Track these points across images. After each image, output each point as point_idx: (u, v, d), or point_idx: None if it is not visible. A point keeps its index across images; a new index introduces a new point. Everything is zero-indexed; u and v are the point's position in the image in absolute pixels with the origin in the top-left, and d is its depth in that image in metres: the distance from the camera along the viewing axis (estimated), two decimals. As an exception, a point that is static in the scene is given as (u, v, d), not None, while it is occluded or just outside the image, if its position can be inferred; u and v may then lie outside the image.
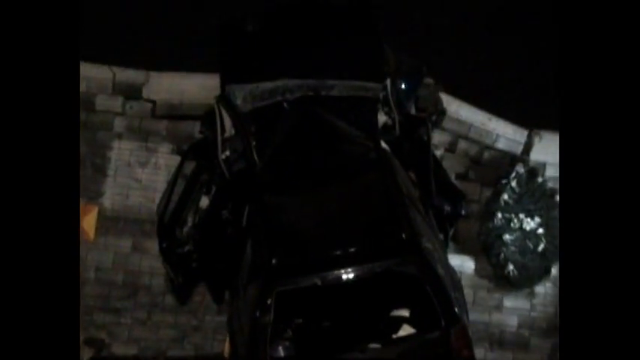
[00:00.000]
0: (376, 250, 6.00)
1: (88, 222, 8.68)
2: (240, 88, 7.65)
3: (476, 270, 8.59)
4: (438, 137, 9.02)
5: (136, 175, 8.85)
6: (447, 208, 7.31)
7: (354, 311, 6.30)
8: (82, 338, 8.42)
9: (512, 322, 8.50)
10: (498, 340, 8.42)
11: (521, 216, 8.41)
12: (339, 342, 6.02)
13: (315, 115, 7.42)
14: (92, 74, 8.94)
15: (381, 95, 7.57)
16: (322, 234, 6.21)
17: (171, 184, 7.32)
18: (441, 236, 7.54)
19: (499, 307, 8.53)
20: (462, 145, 8.92)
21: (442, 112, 8.57)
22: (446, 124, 8.92)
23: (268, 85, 7.58)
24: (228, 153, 7.62)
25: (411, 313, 6.35)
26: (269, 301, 5.76)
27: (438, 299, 5.89)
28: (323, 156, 7.05)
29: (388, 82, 7.66)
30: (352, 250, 6.02)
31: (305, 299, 6.23)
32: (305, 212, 6.44)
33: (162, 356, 8.16)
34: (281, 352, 6.03)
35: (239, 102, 7.57)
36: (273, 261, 6.02)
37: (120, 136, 8.86)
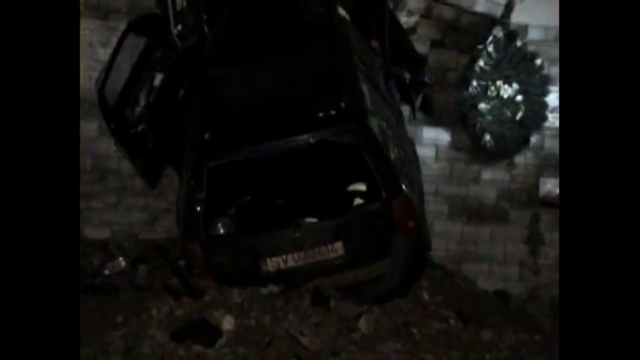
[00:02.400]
0: (312, 120, 5.66)
1: (53, 106, 8.48)
2: (189, -43, 7.22)
3: (452, 142, 8.13)
4: (413, 3, 8.50)
5: (98, 56, 8.50)
6: (407, 75, 6.88)
7: (307, 187, 6.04)
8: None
9: (491, 194, 8.08)
10: (477, 213, 8.07)
11: (499, 83, 7.87)
12: (277, 217, 5.81)
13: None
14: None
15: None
16: (260, 106, 5.84)
17: (111, 58, 6.98)
18: (407, 107, 7.17)
19: (477, 180, 8.10)
20: (438, 9, 8.35)
21: None
22: (420, -13, 8.39)
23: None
24: (180, 27, 7.27)
25: (367, 188, 6.07)
26: (201, 177, 5.53)
27: (377, 170, 5.55)
28: (275, 26, 6.63)
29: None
30: (287, 121, 5.69)
31: (259, 174, 5.99)
32: (246, 85, 6.04)
33: (133, 239, 8.09)
34: (220, 229, 5.85)
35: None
36: (206, 135, 5.73)
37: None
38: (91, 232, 8.33)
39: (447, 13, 8.20)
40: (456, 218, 8.01)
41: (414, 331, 5.19)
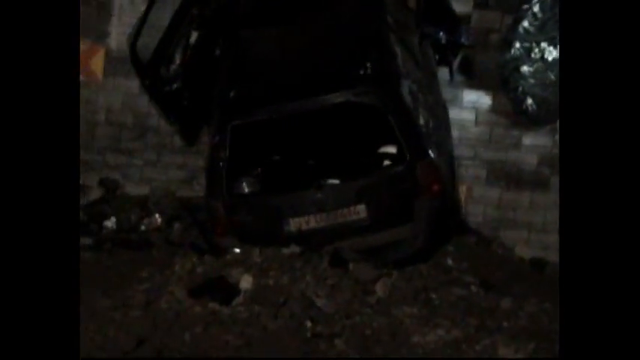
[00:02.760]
0: (337, 80, 5.57)
1: (96, 63, 8.49)
2: None
3: (493, 106, 7.90)
4: (458, -38, 8.27)
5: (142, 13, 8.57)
6: (443, 36, 6.71)
7: (334, 148, 5.99)
8: (97, 178, 8.58)
9: (532, 160, 7.83)
10: (516, 179, 7.88)
11: (543, 45, 7.62)
12: (301, 178, 5.77)
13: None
14: None
15: None
16: (286, 66, 5.76)
17: (145, 14, 6.97)
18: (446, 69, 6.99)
19: (517, 145, 7.87)
20: (484, -32, 8.13)
21: None
22: (463, -54, 8.13)
23: None
24: (215, -16, 7.22)
25: (398, 150, 5.98)
26: (224, 136, 5.53)
27: (402, 132, 5.45)
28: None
29: None
30: (312, 81, 5.62)
31: (287, 134, 5.97)
32: (275, 45, 5.98)
33: (171, 196, 8.19)
34: (244, 189, 5.84)
35: None
36: (231, 94, 5.72)
37: (123, -28, 8.57)
38: (131, 188, 8.46)
39: (494, -27, 7.97)
40: (494, 183, 7.82)
41: (433, 296, 5.12)
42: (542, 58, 7.53)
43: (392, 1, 6.39)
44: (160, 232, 7.50)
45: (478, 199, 7.83)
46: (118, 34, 8.52)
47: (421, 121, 5.63)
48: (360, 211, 5.52)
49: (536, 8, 7.48)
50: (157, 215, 7.72)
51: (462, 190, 7.79)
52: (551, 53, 7.53)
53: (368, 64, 5.50)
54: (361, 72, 5.50)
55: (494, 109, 7.86)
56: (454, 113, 7.88)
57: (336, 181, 5.58)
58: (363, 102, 5.38)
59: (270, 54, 5.92)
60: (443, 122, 6.19)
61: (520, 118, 7.77)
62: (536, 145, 7.83)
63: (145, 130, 8.43)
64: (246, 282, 5.16)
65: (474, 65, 7.89)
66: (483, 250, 7.21)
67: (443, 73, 7.88)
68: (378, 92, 5.40)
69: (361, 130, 5.74)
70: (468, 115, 7.89)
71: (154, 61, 6.95)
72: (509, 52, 7.50)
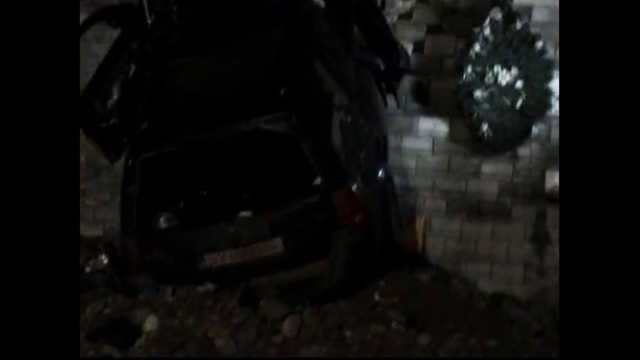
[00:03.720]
0: (246, 108, 5.34)
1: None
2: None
3: (450, 134, 7.57)
4: (411, -15, 8.05)
5: (94, 51, 8.49)
6: (378, 62, 6.46)
7: (255, 179, 5.73)
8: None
9: (493, 189, 7.47)
10: (477, 210, 7.50)
11: (497, 69, 7.28)
12: (217, 212, 5.52)
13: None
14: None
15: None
16: (201, 96, 5.56)
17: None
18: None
19: (477, 174, 7.51)
20: (437, -9, 7.90)
21: None
22: (416, -31, 7.92)
23: None
24: (152, 18, 7.09)
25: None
26: (134, 170, 5.31)
27: (315, 159, 5.18)
28: (237, 13, 6.37)
29: None
30: (223, 110, 5.39)
31: (205, 167, 5.74)
32: (196, 74, 5.77)
33: (123, 236, 7.99)
34: (162, 224, 5.61)
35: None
36: (142, 127, 5.53)
37: (75, 11, 8.50)
38: (84, 229, 8.29)
39: (446, -4, 7.74)
40: (454, 215, 7.46)
41: (347, 334, 4.79)
42: (496, 83, 7.21)
43: (323, 26, 6.18)
44: (104, 273, 7.30)
45: (437, 232, 7.48)
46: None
47: (343, 149, 5.37)
48: (277, 245, 5.24)
49: (487, 31, 7.20)
50: (103, 256, 7.51)
51: (420, 222, 7.48)
52: (505, 77, 7.21)
53: (282, 91, 5.26)
54: (273, 99, 5.27)
55: (451, 137, 7.55)
56: (410, 142, 7.63)
57: (248, 214, 5.32)
58: (274, 130, 5.15)
59: (187, 83, 5.72)
60: (377, 151, 5.90)
61: (478, 146, 7.47)
62: (497, 173, 7.48)
63: (98, 170, 8.29)
64: (150, 323, 4.89)
65: (428, 92, 7.63)
66: (440, 286, 6.88)
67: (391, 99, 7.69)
68: (289, 119, 5.16)
69: (280, 158, 5.48)
70: (425, 144, 7.60)
71: (87, 95, 6.79)
72: (462, 77, 7.23)
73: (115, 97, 7.03)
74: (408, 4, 7.74)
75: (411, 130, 7.57)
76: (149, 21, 7.06)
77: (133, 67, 7.11)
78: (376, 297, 5.37)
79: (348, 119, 5.70)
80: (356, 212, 5.20)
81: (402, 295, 5.55)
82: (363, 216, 5.23)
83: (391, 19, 7.78)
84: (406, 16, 7.74)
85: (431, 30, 7.66)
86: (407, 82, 7.65)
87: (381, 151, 6.04)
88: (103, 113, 6.89)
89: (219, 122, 5.28)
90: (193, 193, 5.78)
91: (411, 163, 7.55)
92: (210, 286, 5.21)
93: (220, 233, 5.27)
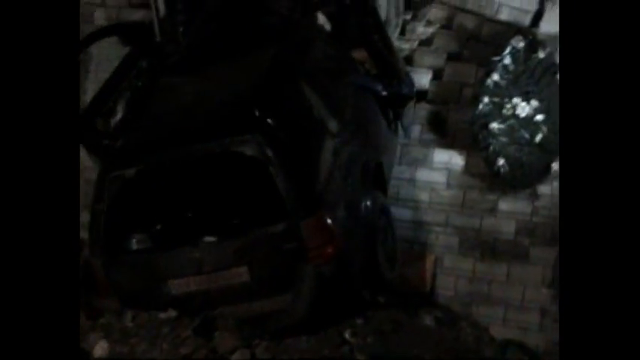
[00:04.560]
0: (218, 128, 5.13)
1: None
2: (169, -37, 7.01)
3: (467, 167, 7.20)
4: (434, 12, 7.74)
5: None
6: (378, 87, 6.16)
7: (226, 202, 5.49)
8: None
9: (509, 228, 7.01)
10: (491, 249, 7.06)
11: (516, 100, 6.88)
12: (184, 235, 5.31)
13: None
14: (73, -34, 8.69)
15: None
16: (180, 115, 5.41)
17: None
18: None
19: (493, 211, 7.07)
20: (460, 18, 7.51)
21: None
22: (441, -6, 7.60)
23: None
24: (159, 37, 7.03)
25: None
26: (102, 188, 5.17)
27: (284, 185, 4.92)
28: (234, 32, 6.23)
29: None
30: (195, 130, 5.21)
31: (180, 188, 5.56)
32: (182, 94, 5.65)
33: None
34: (133, 245, 5.43)
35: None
36: (117, 145, 5.40)
37: (100, 29, 8.54)
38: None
39: (469, 23, 7.40)
40: (467, 253, 7.03)
41: (299, 373, 4.50)
42: (515, 115, 6.81)
43: (324, 49, 5.96)
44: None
45: (449, 271, 7.06)
46: (94, 91, 8.49)
47: (326, 176, 5.10)
48: (242, 274, 4.99)
49: (507, 60, 6.81)
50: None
51: (430, 259, 7.10)
52: (525, 109, 6.81)
53: (254, 110, 5.05)
54: (246, 120, 5.06)
55: (467, 170, 7.15)
56: (424, 174, 7.26)
57: (213, 239, 5.09)
58: (244, 152, 4.92)
59: (172, 102, 5.58)
60: (367, 180, 5.58)
61: (496, 181, 7.06)
62: (514, 211, 7.02)
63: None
64: (100, 349, 4.71)
65: (446, 122, 7.28)
66: (445, 329, 6.47)
67: (413, 130, 7.38)
68: (257, 142, 4.93)
69: (255, 182, 5.24)
70: (439, 177, 7.22)
71: (89, 112, 6.76)
72: (478, 108, 6.86)
73: (120, 115, 7.01)
74: (429, 30, 7.45)
75: (425, 162, 7.22)
76: (158, 39, 7.05)
77: (140, 85, 7.07)
78: (347, 335, 5.03)
79: (336, 145, 5.44)
80: (327, 244, 4.90)
81: (379, 336, 5.19)
82: (334, 248, 4.93)
83: (411, 45, 7.53)
84: (426, 43, 7.46)
85: (451, 57, 7.34)
86: (423, 112, 7.34)
87: (372, 181, 5.72)
88: (105, 130, 6.86)
89: (190, 142, 5.10)
90: (169, 214, 5.59)
91: (424, 196, 7.18)
92: (172, 313, 5.00)
93: (185, 258, 5.06)
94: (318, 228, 4.89)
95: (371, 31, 6.18)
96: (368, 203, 5.46)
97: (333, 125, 5.53)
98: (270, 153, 4.88)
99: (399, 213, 7.19)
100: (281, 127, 5.05)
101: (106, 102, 6.83)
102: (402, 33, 7.49)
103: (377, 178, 5.91)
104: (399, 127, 6.61)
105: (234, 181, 5.28)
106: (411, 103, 6.68)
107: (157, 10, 7.01)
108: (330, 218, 5.00)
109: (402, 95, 6.28)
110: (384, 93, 6.17)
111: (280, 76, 5.35)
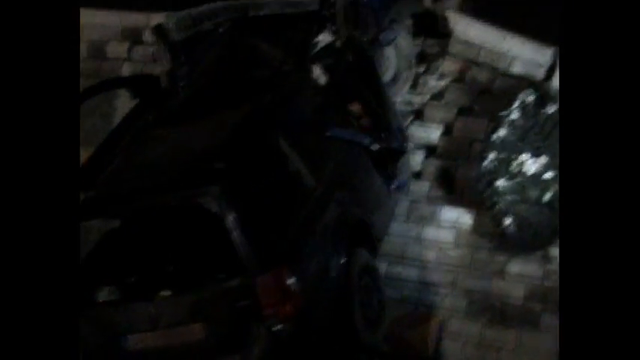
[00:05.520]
0: (179, 181, 5.02)
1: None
2: (174, 16, 7.05)
3: (475, 226, 6.88)
4: (447, 65, 7.50)
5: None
6: (367, 141, 5.93)
7: (185, 255, 5.36)
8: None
9: (519, 292, 6.56)
10: (500, 314, 6.64)
11: (524, 157, 6.57)
12: (141, 288, 5.17)
13: (240, 40, 6.56)
14: (103, 21, 8.94)
15: (325, 11, 6.45)
16: (150, 168, 5.35)
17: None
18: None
19: (502, 273, 6.67)
20: (473, 72, 7.25)
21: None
22: (452, 47, 7.38)
23: (196, 10, 6.89)
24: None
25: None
26: None
27: (238, 238, 4.74)
28: (226, 84, 6.19)
29: (339, -6, 6.51)
30: (157, 183, 5.11)
31: (148, 241, 5.48)
32: (158, 146, 5.60)
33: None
34: (100, 297, 5.32)
35: (173, 31, 6.99)
36: (86, 196, 5.37)
37: (126, 83, 8.67)
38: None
39: (482, 76, 7.14)
40: (475, 318, 6.61)
41: None
42: (522, 172, 6.47)
43: (309, 101, 5.82)
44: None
45: (455, 335, 6.65)
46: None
47: (288, 231, 4.92)
48: (197, 331, 4.83)
49: (515, 115, 6.51)
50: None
51: (435, 322, 6.74)
52: (533, 166, 6.45)
53: (216, 166, 4.93)
54: (205, 173, 4.94)
55: (476, 229, 6.81)
56: (431, 233, 6.95)
57: (168, 293, 4.95)
58: (200, 204, 4.80)
59: (149, 155, 5.54)
60: (343, 237, 5.35)
61: (505, 242, 6.68)
62: (524, 274, 6.60)
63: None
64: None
65: (454, 179, 6.99)
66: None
67: (421, 187, 7.12)
68: (215, 194, 4.79)
69: (216, 236, 5.09)
70: (447, 236, 6.88)
71: (93, 167, 6.80)
72: (483, 164, 6.55)
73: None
74: (441, 84, 7.23)
75: (432, 220, 6.91)
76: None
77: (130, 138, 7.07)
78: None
79: (311, 201, 5.26)
80: (284, 302, 4.69)
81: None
82: (293, 307, 4.71)
83: (422, 99, 7.32)
84: (438, 97, 7.24)
85: (462, 112, 7.08)
86: (432, 168, 7.09)
87: (351, 238, 5.47)
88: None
89: (150, 194, 5.03)
90: (136, 266, 5.51)
91: (430, 255, 6.86)
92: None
93: (141, 313, 4.95)
94: (275, 285, 4.70)
95: (361, 82, 6.03)
96: (342, 262, 5.23)
97: (308, 180, 5.36)
98: (226, 206, 4.75)
99: (405, 272, 6.91)
100: (243, 181, 4.92)
101: (108, 155, 6.87)
102: (414, 86, 7.29)
103: (361, 236, 5.68)
104: (396, 184, 6.37)
105: (198, 236, 5.17)
106: (406, 159, 6.45)
107: (166, 62, 7.06)
108: (293, 276, 4.79)
109: (391, 149, 6.06)
110: (373, 147, 5.97)
111: (249, 132, 5.24)
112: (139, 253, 5.39)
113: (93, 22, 8.85)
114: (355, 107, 6.30)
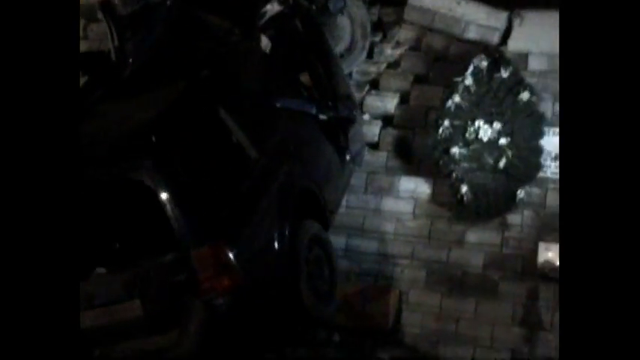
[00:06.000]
0: (114, 155, 4.91)
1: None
2: (120, -10, 6.91)
3: (433, 196, 6.74)
4: (403, 33, 7.34)
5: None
6: (310, 110, 5.80)
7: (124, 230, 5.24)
8: None
9: (477, 261, 6.43)
10: (459, 284, 6.49)
11: (479, 123, 6.41)
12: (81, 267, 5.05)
13: (187, 12, 6.41)
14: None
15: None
16: (88, 143, 5.25)
17: None
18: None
19: (461, 242, 6.55)
20: (429, 39, 7.10)
21: None
22: (407, 15, 7.21)
23: (143, -17, 6.75)
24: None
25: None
26: None
27: (172, 212, 4.64)
28: (171, 57, 6.05)
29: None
30: (94, 157, 4.98)
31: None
32: (99, 121, 5.48)
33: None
34: None
35: (119, 6, 6.84)
36: None
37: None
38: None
39: (438, 43, 6.99)
40: (434, 288, 6.51)
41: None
42: (478, 138, 6.34)
43: (254, 71, 5.68)
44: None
45: (415, 306, 6.54)
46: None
47: (227, 203, 4.80)
48: (135, 307, 4.72)
49: (468, 81, 6.36)
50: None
51: (395, 294, 6.64)
52: (487, 132, 6.32)
53: (150, 139, 4.80)
54: (139, 147, 4.82)
55: (434, 199, 6.71)
56: (389, 204, 6.84)
57: (103, 270, 4.84)
58: (133, 178, 4.68)
59: (88, 130, 5.42)
60: (288, 207, 5.23)
61: (464, 211, 6.57)
62: (483, 242, 6.50)
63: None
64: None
65: (411, 149, 6.87)
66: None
67: (378, 157, 6.99)
68: (148, 168, 4.67)
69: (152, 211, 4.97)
70: (406, 207, 6.77)
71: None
72: (438, 132, 6.43)
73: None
74: (397, 52, 7.09)
75: (391, 191, 6.80)
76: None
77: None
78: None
79: (253, 173, 5.14)
80: (221, 275, 4.59)
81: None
82: (231, 281, 4.60)
83: (378, 68, 7.18)
84: (394, 65, 7.09)
85: (418, 80, 6.94)
86: (390, 137, 6.97)
87: (298, 209, 5.36)
88: None
89: (86, 169, 4.91)
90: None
91: (389, 227, 6.75)
92: (68, 350, 4.77)
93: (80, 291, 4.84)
94: (211, 258, 4.59)
95: (309, 49, 5.89)
96: (286, 232, 5.11)
97: (251, 152, 5.23)
98: (159, 180, 4.63)
99: (364, 245, 6.81)
100: (178, 154, 4.80)
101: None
102: (370, 56, 7.15)
103: (310, 207, 5.57)
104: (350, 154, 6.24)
105: (137, 211, 5.05)
106: (358, 129, 6.31)
107: (114, 38, 6.91)
108: (232, 248, 4.68)
109: (340, 118, 5.93)
110: (322, 117, 5.84)
111: (185, 105, 5.11)
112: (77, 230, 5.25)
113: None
114: (305, 77, 6.17)
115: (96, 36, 8.42)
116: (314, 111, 5.78)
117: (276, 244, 5.06)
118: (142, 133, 4.90)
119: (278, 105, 5.60)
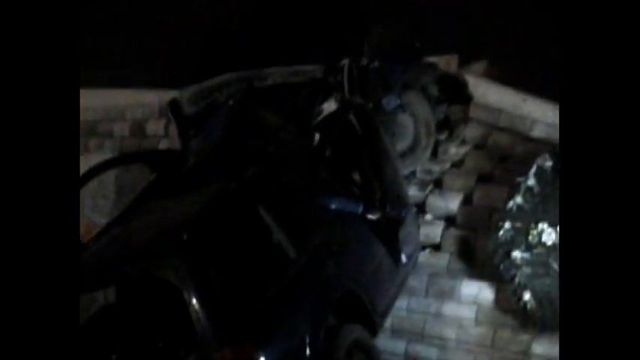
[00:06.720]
0: (143, 253, 4.84)
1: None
2: (187, 90, 7.04)
3: (496, 301, 6.35)
4: (470, 131, 7.10)
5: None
6: (360, 209, 5.59)
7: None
8: None
9: (544, 375, 6.09)
10: (524, 400, 6.08)
11: (542, 226, 6.04)
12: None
13: (245, 111, 6.45)
14: (143, 100, 9.09)
15: (332, 79, 6.27)
16: (125, 240, 5.23)
17: None
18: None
19: (526, 354, 6.07)
20: (495, 137, 6.81)
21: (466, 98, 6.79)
22: (473, 112, 6.98)
23: (207, 83, 6.85)
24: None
25: None
26: None
27: (197, 311, 4.48)
28: (223, 156, 6.05)
29: (346, 62, 6.32)
30: (123, 255, 4.95)
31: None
32: (144, 218, 5.48)
33: None
34: None
35: (185, 105, 6.97)
36: None
37: (163, 160, 8.71)
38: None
39: (503, 141, 6.72)
40: (497, 403, 6.10)
41: None
42: (541, 242, 5.95)
43: (298, 169, 5.59)
44: None
45: (476, 421, 6.14)
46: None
47: (259, 304, 4.66)
48: None
49: (531, 181, 6.03)
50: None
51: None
52: (551, 236, 5.93)
53: (180, 238, 4.74)
54: (168, 245, 4.76)
55: (498, 305, 6.29)
56: (451, 309, 6.48)
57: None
58: (160, 277, 4.60)
59: (131, 227, 5.44)
60: (320, 309, 5.01)
61: (528, 319, 6.12)
62: (551, 356, 6.02)
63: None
64: None
65: (474, 251, 6.52)
66: None
67: (440, 259, 6.68)
68: (175, 266, 4.59)
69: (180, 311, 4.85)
70: (467, 312, 6.37)
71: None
72: (499, 234, 6.08)
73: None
74: (462, 151, 6.86)
75: (453, 295, 6.45)
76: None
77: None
78: None
79: (290, 273, 4.98)
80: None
81: None
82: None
83: (442, 167, 6.96)
84: (458, 164, 6.86)
85: (482, 179, 6.66)
86: (452, 239, 6.66)
87: (338, 312, 5.12)
88: None
89: (113, 267, 4.90)
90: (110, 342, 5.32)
91: (450, 333, 6.39)
92: None
93: None
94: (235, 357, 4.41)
95: (361, 150, 5.78)
96: (321, 336, 4.87)
97: (290, 251, 5.09)
98: (186, 278, 4.54)
99: (424, 352, 6.46)
100: (211, 253, 4.72)
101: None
102: (435, 154, 6.96)
103: (354, 310, 5.33)
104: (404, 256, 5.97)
105: (168, 310, 4.97)
106: (409, 229, 6.05)
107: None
108: (258, 350, 4.49)
109: (389, 219, 5.71)
110: (370, 217, 5.64)
111: (223, 204, 5.06)
112: (111, 327, 5.23)
113: (134, 101, 9.06)
114: (356, 175, 6.03)
115: (176, 134, 8.67)
116: (360, 210, 5.60)
117: (308, 349, 4.82)
118: (174, 231, 4.86)
119: (321, 203, 5.46)
